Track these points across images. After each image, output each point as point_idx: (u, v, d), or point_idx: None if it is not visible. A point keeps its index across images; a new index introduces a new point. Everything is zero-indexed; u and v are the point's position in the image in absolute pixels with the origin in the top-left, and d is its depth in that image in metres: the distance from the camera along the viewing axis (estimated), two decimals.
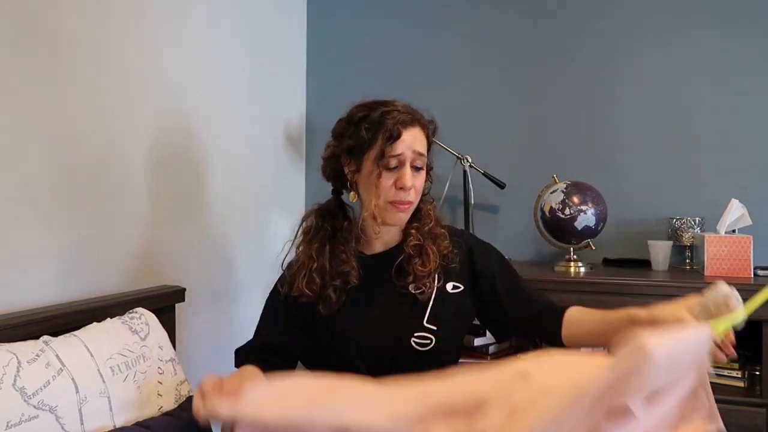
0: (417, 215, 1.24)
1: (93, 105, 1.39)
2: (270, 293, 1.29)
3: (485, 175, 2.09)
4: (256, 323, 1.29)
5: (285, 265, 1.28)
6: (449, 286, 1.22)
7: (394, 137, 1.15)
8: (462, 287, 1.23)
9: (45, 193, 1.27)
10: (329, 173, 1.26)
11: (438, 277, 1.21)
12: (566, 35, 2.16)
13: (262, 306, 1.30)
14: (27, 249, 1.23)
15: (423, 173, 1.21)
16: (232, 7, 1.95)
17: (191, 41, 1.74)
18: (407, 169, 1.16)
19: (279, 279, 1.28)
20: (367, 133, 1.17)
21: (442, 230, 1.25)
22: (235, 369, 1.22)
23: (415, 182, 1.17)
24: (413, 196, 1.18)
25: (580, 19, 2.14)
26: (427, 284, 1.18)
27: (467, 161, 2.08)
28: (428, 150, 1.24)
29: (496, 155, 2.20)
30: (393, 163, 1.15)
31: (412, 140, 1.17)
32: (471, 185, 2.09)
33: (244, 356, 1.25)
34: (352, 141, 1.19)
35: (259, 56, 2.13)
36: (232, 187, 1.96)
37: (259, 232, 2.13)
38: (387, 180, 1.15)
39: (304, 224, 1.27)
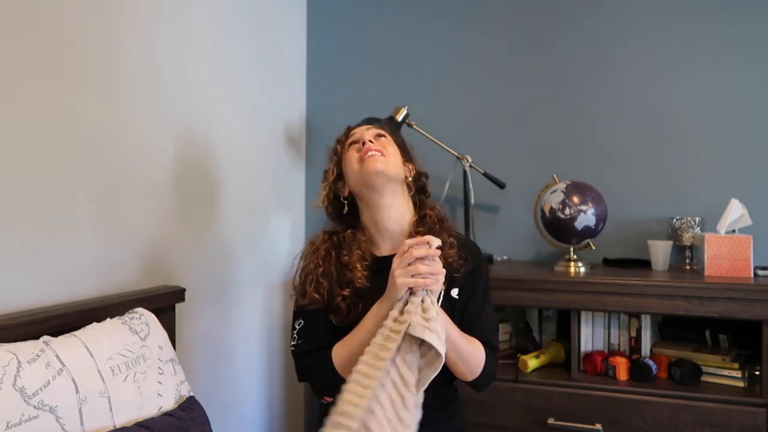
0: (423, 221, 1.29)
1: (93, 106, 1.39)
2: (296, 310, 1.31)
3: (485, 175, 2.09)
4: (293, 332, 1.30)
5: (296, 275, 1.33)
6: (453, 292, 1.26)
7: (348, 129, 1.35)
8: (458, 297, 1.27)
9: (44, 194, 1.27)
10: (332, 209, 1.34)
11: (444, 282, 1.23)
12: (566, 36, 2.16)
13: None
14: (27, 249, 1.23)
15: (389, 141, 1.30)
16: (232, 8, 1.95)
17: (191, 42, 1.74)
18: (366, 135, 1.28)
19: (297, 293, 1.31)
20: (336, 146, 1.35)
21: (451, 239, 1.27)
22: (301, 371, 1.26)
23: (379, 144, 1.27)
24: (380, 148, 1.25)
25: (580, 20, 2.14)
26: None
27: (467, 161, 2.08)
28: (398, 145, 1.33)
29: (496, 155, 2.20)
30: (352, 140, 1.30)
31: (366, 128, 1.33)
32: (471, 185, 2.09)
33: (310, 352, 1.25)
34: (331, 162, 1.34)
35: (259, 56, 2.13)
36: (231, 187, 1.96)
37: (259, 232, 2.13)
38: (351, 153, 1.28)
39: (310, 240, 1.35)
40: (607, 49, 2.11)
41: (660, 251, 1.83)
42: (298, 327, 1.28)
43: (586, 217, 1.74)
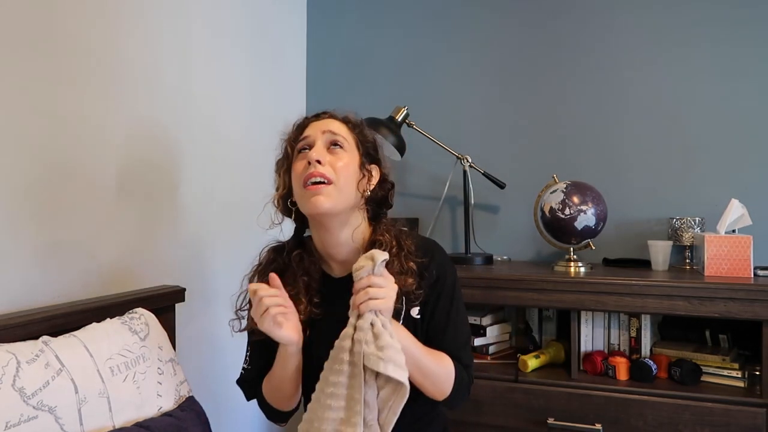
0: (376, 245, 1.12)
1: (93, 105, 1.39)
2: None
3: (485, 175, 2.09)
4: (246, 354, 1.24)
5: (238, 302, 1.21)
6: (414, 312, 1.15)
7: (301, 126, 1.16)
8: (421, 315, 1.16)
9: (44, 193, 1.27)
10: (281, 206, 1.21)
11: (400, 305, 1.12)
12: (566, 36, 2.16)
13: None
14: (26, 249, 1.23)
15: (344, 153, 1.12)
16: (232, 8, 1.95)
17: (192, 42, 1.74)
18: (317, 146, 1.10)
19: (237, 316, 1.21)
20: (286, 148, 1.17)
21: (410, 264, 1.12)
22: (247, 397, 1.24)
23: (331, 159, 1.09)
24: (330, 172, 1.08)
25: (580, 21, 2.14)
26: None
27: (467, 161, 2.08)
28: (360, 145, 1.16)
29: (496, 155, 2.20)
30: (302, 145, 1.13)
31: (322, 124, 1.14)
32: (471, 185, 2.09)
33: (251, 380, 1.21)
34: (281, 167, 1.18)
35: (260, 56, 2.13)
36: (232, 186, 1.96)
37: (259, 232, 2.12)
38: (299, 163, 1.11)
39: (257, 260, 1.24)
40: (607, 49, 2.11)
41: (660, 251, 1.83)
42: (250, 350, 1.22)
43: (586, 217, 1.74)
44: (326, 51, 2.46)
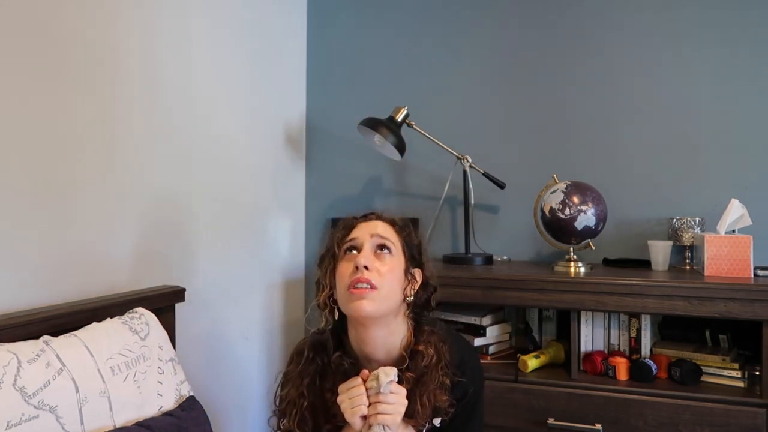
0: (415, 359, 1.15)
1: (93, 105, 1.39)
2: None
3: (485, 175, 2.09)
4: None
5: (277, 397, 1.23)
6: (436, 421, 1.18)
7: (349, 227, 1.18)
8: (440, 424, 1.19)
9: (44, 193, 1.27)
10: (329, 314, 1.20)
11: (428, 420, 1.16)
12: (566, 36, 2.16)
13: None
14: (27, 249, 1.23)
15: (392, 258, 1.14)
16: (232, 7, 1.95)
17: (191, 42, 1.74)
18: (364, 249, 1.13)
19: (277, 415, 1.23)
20: (333, 247, 1.18)
21: (446, 379, 1.14)
22: None
23: (378, 265, 1.11)
24: (376, 279, 1.10)
25: (581, 22, 2.14)
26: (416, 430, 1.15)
27: (467, 161, 2.08)
28: (406, 249, 1.19)
29: (496, 155, 2.20)
30: (349, 245, 1.15)
31: (371, 227, 1.17)
32: (471, 185, 2.09)
33: None
34: (327, 266, 1.18)
35: (260, 56, 2.13)
36: (232, 186, 1.96)
37: (258, 232, 2.13)
38: (345, 266, 1.13)
39: (295, 355, 1.24)
40: (607, 50, 2.11)
41: (660, 251, 1.83)
42: (283, 428, 1.21)
43: (586, 217, 1.74)
44: (326, 51, 2.46)
